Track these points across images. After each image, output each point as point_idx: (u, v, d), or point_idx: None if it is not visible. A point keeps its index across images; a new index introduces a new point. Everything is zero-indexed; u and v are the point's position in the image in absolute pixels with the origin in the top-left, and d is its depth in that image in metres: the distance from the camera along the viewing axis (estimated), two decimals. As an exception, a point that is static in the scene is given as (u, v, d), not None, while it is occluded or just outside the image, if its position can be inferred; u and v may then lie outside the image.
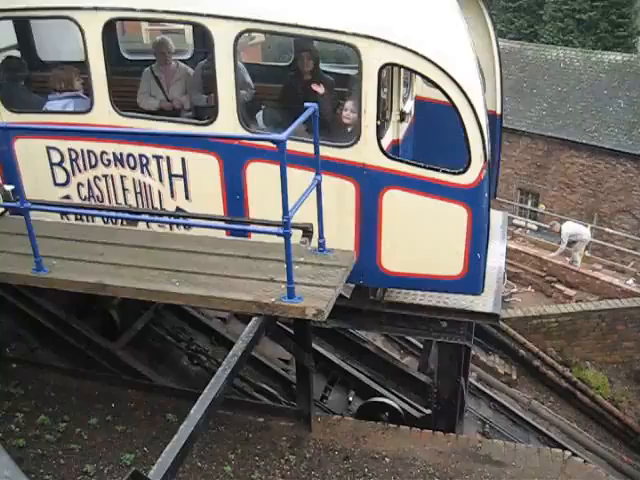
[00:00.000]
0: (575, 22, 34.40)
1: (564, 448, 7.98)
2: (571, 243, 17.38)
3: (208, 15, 5.61)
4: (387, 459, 6.02)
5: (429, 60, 5.22)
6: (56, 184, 6.61)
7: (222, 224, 6.16)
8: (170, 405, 6.52)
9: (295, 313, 4.88)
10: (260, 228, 5.36)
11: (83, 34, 5.97)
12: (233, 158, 5.90)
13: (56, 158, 6.49)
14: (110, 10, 5.94)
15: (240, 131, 5.76)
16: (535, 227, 23.74)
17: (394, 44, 5.24)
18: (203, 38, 6.95)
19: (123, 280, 5.31)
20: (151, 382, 7.22)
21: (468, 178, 5.41)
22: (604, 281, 15.81)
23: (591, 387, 11.97)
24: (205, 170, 6.03)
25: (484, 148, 5.32)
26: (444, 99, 5.41)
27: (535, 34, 36.77)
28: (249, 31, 5.80)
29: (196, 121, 6.28)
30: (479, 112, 5.24)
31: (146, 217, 6.46)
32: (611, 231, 23.93)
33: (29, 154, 6.35)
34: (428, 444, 6.23)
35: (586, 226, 18.99)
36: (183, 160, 6.09)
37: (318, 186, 5.20)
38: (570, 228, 17.47)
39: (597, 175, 27.63)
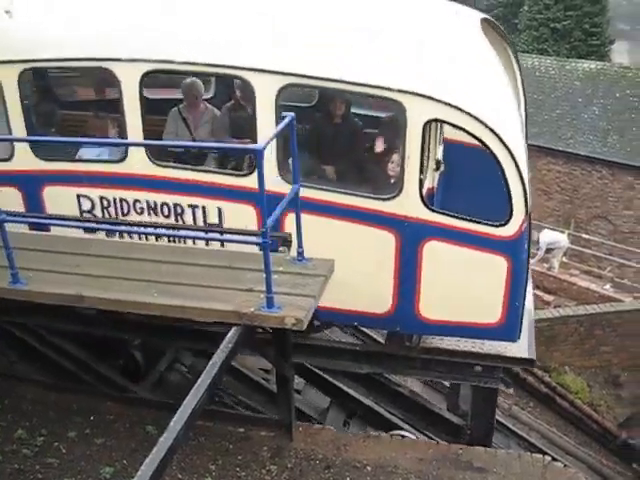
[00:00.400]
0: (550, 31, 34.81)
1: (544, 453, 8.02)
2: (549, 250, 17.54)
3: (251, 69, 5.62)
4: (368, 467, 6.01)
5: (474, 117, 5.27)
6: (85, 231, 6.59)
7: (201, 234, 6.16)
8: (150, 417, 6.47)
9: (274, 322, 4.87)
10: (239, 238, 5.35)
11: (119, 85, 5.92)
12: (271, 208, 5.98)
13: (86, 206, 6.43)
14: (149, 62, 5.89)
15: (279, 182, 5.69)
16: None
17: (440, 101, 5.31)
18: (226, 79, 7.00)
19: (100, 291, 5.26)
20: (130, 394, 7.17)
21: (509, 230, 5.48)
22: (581, 286, 15.98)
23: (570, 392, 12.07)
24: (243, 219, 5.99)
25: (526, 202, 5.40)
26: (465, 140, 5.59)
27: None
28: (292, 85, 5.74)
29: (235, 172, 6.19)
30: (522, 167, 5.32)
31: (125, 228, 6.42)
32: (588, 237, 24.18)
33: (58, 202, 6.39)
34: (409, 452, 6.22)
35: (563, 232, 19.17)
36: (220, 210, 6.08)
37: (296, 194, 5.21)
38: (547, 237, 17.64)
39: (573, 182, 27.94)
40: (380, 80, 5.37)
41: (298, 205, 5.31)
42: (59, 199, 6.36)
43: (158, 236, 6.44)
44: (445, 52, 5.60)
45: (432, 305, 5.89)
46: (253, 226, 5.89)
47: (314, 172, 6.30)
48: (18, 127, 6.30)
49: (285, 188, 5.41)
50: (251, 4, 6.14)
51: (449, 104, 5.28)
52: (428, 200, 5.87)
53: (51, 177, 6.32)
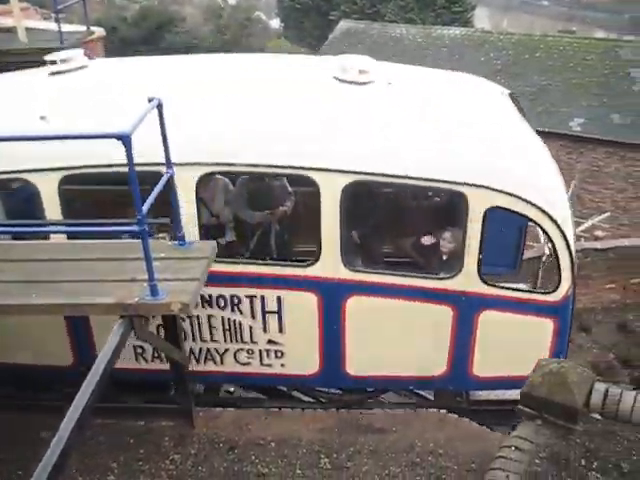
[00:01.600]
0: (415, 0, 35.70)
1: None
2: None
3: (316, 169, 5.77)
4: (272, 443, 6.07)
5: (532, 204, 5.76)
6: None
7: (81, 228, 5.91)
8: (45, 422, 6.22)
9: (161, 310, 4.79)
10: (114, 229, 5.18)
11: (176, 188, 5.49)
12: (333, 294, 6.09)
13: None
14: (206, 165, 5.82)
15: (342, 271, 5.99)
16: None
17: (500, 191, 5.71)
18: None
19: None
20: (21, 401, 6.86)
21: (556, 296, 6.10)
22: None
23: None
24: (303, 306, 6.15)
25: (572, 272, 6.03)
26: None
27: (378, 13, 37.79)
28: (357, 183, 5.84)
29: (297, 264, 6.19)
30: (571, 243, 5.94)
31: None
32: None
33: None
34: (311, 423, 6.34)
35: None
36: (279, 298, 6.12)
37: (171, 178, 5.14)
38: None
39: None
40: (444, 175, 5.72)
41: (175, 191, 5.26)
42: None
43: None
44: (497, 142, 6.05)
45: (484, 364, 6.38)
46: (312, 310, 6.14)
47: (380, 258, 6.84)
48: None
49: (349, 274, 5.98)
50: (310, 105, 6.32)
51: (511, 194, 5.72)
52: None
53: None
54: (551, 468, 4.51)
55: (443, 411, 6.45)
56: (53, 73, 6.86)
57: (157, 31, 36.03)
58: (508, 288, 6.20)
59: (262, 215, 6.70)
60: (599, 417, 4.84)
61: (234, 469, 5.79)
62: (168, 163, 5.12)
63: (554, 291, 6.11)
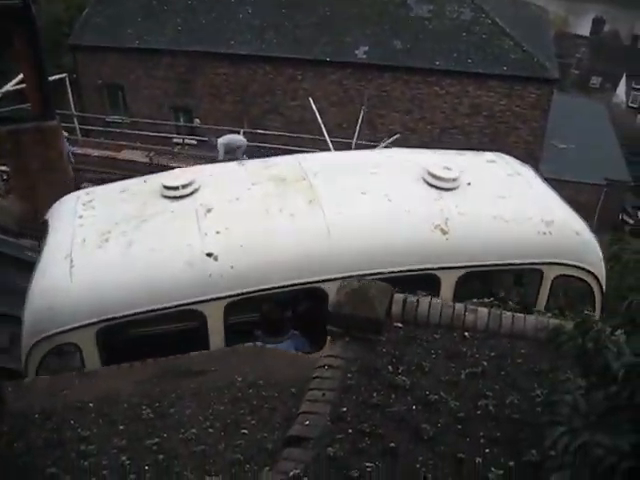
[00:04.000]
0: None
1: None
2: (229, 152, 18.07)
3: (439, 268, 6.80)
4: (91, 404, 5.87)
5: (587, 270, 7.14)
6: None
7: None
8: None
9: None
10: None
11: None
12: None
13: None
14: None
15: None
16: (194, 142, 24.18)
17: (569, 265, 7.09)
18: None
19: None
20: None
21: None
22: (266, 180, 16.79)
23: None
24: None
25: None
26: None
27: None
28: (468, 274, 6.95)
29: None
30: (603, 292, 7.24)
31: None
32: (264, 132, 25.35)
33: None
34: (129, 376, 6.19)
35: (239, 133, 19.81)
36: None
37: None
38: (224, 139, 18.12)
39: (241, 81, 28.80)
40: (535, 258, 7.06)
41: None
42: None
43: None
44: (557, 223, 7.17)
45: None
46: None
47: None
48: None
49: None
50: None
51: (575, 265, 7.11)
52: None
53: None
54: (363, 379, 4.80)
55: (259, 343, 6.59)
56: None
57: None
58: None
59: None
60: (401, 325, 5.21)
61: (53, 438, 5.55)
62: None
63: None
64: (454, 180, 7.28)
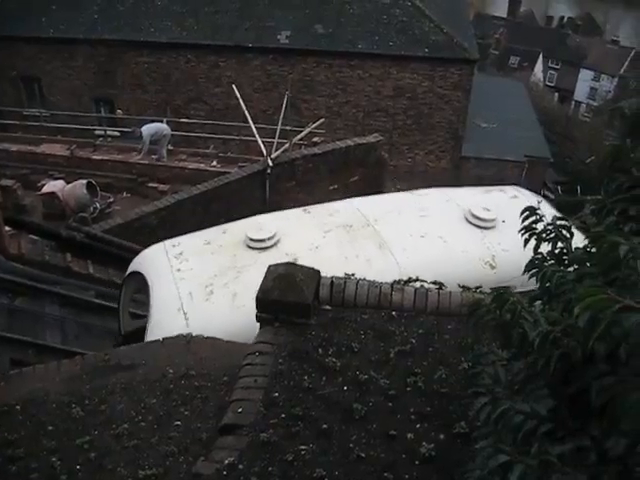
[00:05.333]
0: None
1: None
2: (155, 141, 17.74)
3: None
4: (18, 407, 5.70)
5: None
6: None
7: None
8: None
9: None
10: None
11: None
12: None
13: None
14: None
15: None
16: (117, 133, 23.64)
17: None
18: None
19: None
20: None
21: None
22: (191, 169, 16.60)
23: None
24: None
25: None
26: None
27: None
28: None
29: None
30: None
31: None
32: (188, 121, 24.99)
33: None
34: (57, 375, 6.05)
35: (162, 122, 19.47)
36: None
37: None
38: (149, 129, 17.78)
39: (162, 70, 28.28)
40: None
41: None
42: None
43: None
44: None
45: None
46: None
47: None
48: None
49: None
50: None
51: None
52: None
53: None
54: (294, 363, 4.83)
55: (192, 333, 6.53)
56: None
57: None
58: None
59: None
60: (329, 307, 5.25)
61: (-22, 444, 5.37)
62: None
63: None
64: (493, 220, 8.01)
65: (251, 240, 7.69)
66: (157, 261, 7.92)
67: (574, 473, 2.20)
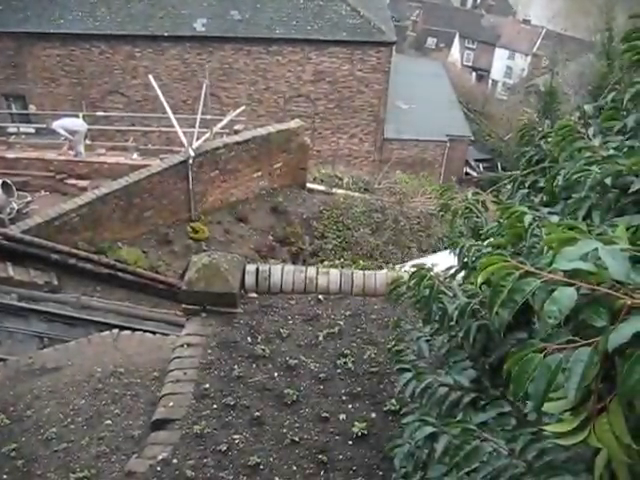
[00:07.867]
0: None
1: (120, 327, 8.29)
2: (71, 135, 17.19)
3: None
4: (-62, 418, 5.49)
5: None
6: None
7: None
8: None
9: None
10: None
11: None
12: None
13: None
14: None
15: None
16: (32, 130, 22.79)
17: None
18: None
19: None
20: None
21: None
22: (111, 163, 16.21)
23: (129, 264, 12.48)
24: None
25: None
26: None
27: None
28: None
29: None
30: None
31: None
32: (105, 114, 24.34)
33: None
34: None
35: (78, 117, 18.90)
36: None
37: None
38: (65, 124, 17.20)
39: (76, 62, 27.43)
40: None
41: None
42: None
43: None
44: None
45: None
46: None
47: None
48: None
49: None
50: None
51: None
52: None
53: None
54: (223, 353, 4.80)
55: (116, 330, 6.41)
56: None
57: None
58: None
59: None
60: (256, 295, 5.24)
61: None
62: None
63: None
64: None
65: None
66: None
67: (492, 439, 2.26)
